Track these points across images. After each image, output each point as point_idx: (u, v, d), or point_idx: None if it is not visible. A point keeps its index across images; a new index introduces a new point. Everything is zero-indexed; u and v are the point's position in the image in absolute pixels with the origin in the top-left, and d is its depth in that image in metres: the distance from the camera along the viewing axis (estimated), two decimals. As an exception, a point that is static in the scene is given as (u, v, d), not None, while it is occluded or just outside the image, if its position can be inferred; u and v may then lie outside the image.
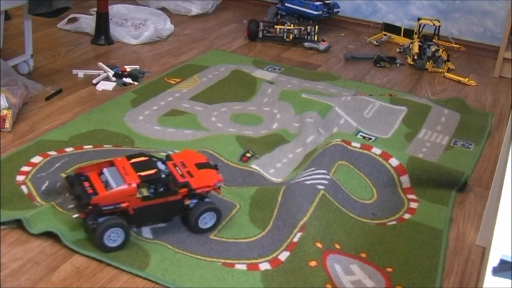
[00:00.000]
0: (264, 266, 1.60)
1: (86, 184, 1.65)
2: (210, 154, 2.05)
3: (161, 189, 1.66)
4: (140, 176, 1.64)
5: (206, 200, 1.73)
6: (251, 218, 1.80)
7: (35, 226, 1.65)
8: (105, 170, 1.69)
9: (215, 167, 1.78)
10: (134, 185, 1.61)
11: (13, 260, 1.56)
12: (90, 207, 1.56)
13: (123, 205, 1.60)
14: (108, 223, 1.57)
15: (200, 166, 1.76)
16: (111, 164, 1.71)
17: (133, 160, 1.71)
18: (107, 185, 1.64)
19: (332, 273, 1.57)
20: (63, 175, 1.84)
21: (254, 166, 2.07)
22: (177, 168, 1.73)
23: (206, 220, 1.71)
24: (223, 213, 1.78)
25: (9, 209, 1.73)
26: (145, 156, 1.74)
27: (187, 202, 1.69)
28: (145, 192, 1.65)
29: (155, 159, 1.74)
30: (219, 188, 1.75)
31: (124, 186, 1.60)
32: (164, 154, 2.02)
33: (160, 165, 1.72)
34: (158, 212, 1.68)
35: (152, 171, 1.67)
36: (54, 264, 1.56)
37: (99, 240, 1.57)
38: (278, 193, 1.85)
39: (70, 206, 1.64)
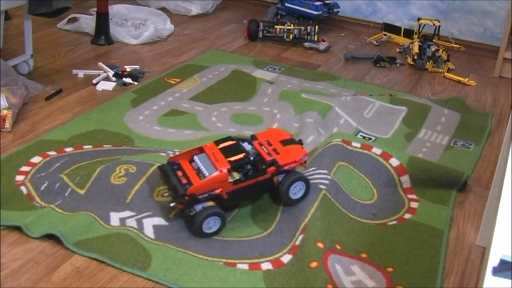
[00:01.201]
0: (266, 266, 1.60)
1: (179, 173, 1.72)
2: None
3: (251, 171, 1.73)
4: (230, 161, 1.72)
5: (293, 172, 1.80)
6: (253, 218, 1.80)
7: (36, 230, 1.65)
8: (195, 158, 1.76)
9: (300, 143, 1.86)
10: (225, 171, 1.69)
11: (13, 260, 1.56)
12: (187, 198, 1.63)
13: (217, 191, 1.68)
14: (207, 212, 1.64)
15: (284, 142, 1.84)
16: (201, 150, 1.78)
17: (221, 145, 1.79)
18: (199, 172, 1.71)
19: (333, 273, 1.57)
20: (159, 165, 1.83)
21: None
22: (263, 147, 1.80)
23: (296, 191, 1.78)
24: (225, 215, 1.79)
25: (8, 209, 1.73)
26: (232, 139, 1.82)
27: (276, 179, 1.77)
28: (236, 175, 1.72)
29: (242, 141, 1.82)
30: (305, 162, 1.83)
31: (216, 173, 1.67)
32: (164, 154, 2.03)
33: (247, 146, 1.79)
34: (250, 193, 1.76)
35: (241, 155, 1.75)
36: (54, 264, 1.56)
37: (197, 228, 1.65)
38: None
39: (166, 195, 1.73)
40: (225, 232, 1.72)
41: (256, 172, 1.74)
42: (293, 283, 1.54)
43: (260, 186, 1.76)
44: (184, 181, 1.69)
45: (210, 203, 1.69)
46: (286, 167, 1.77)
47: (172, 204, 1.69)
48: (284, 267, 1.59)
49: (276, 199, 1.80)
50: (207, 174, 1.68)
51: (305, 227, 1.71)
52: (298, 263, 1.60)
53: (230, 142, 1.81)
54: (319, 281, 1.53)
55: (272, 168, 1.75)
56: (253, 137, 1.86)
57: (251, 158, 1.74)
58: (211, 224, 1.67)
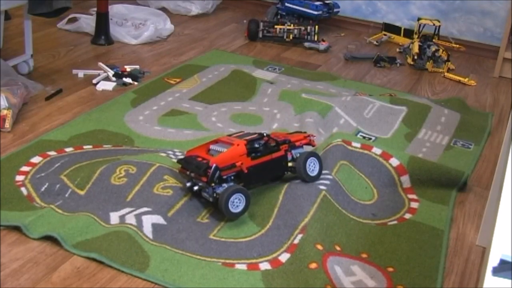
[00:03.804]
0: (264, 266, 1.60)
1: (199, 159, 1.79)
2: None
3: (266, 148, 1.86)
4: (245, 139, 1.84)
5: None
6: (250, 214, 1.80)
7: (35, 231, 1.64)
8: (211, 146, 1.86)
9: (304, 132, 2.05)
10: (242, 144, 1.80)
11: (13, 260, 1.56)
12: (210, 170, 1.71)
13: (238, 163, 1.78)
14: (231, 189, 1.71)
15: (290, 133, 2.03)
16: (216, 141, 1.88)
17: (234, 135, 1.92)
18: (217, 155, 1.80)
19: (332, 275, 1.57)
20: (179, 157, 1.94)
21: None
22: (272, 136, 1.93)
23: (312, 167, 1.89)
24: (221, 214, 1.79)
25: (8, 210, 1.73)
26: (242, 132, 1.97)
27: (290, 155, 1.90)
28: (252, 151, 1.83)
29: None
30: (313, 140, 2.00)
31: (234, 147, 1.79)
32: (164, 154, 2.03)
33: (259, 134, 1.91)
34: (267, 170, 1.86)
35: (255, 135, 1.88)
36: (54, 264, 1.56)
37: (225, 207, 1.70)
38: (279, 192, 1.85)
39: (189, 185, 1.78)
40: (222, 232, 1.72)
41: (271, 148, 1.86)
42: (292, 284, 1.54)
43: (276, 163, 1.87)
44: (205, 161, 1.77)
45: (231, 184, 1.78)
46: (297, 143, 1.92)
47: (188, 184, 1.77)
48: (282, 267, 1.59)
49: (297, 174, 1.90)
50: (225, 150, 1.79)
51: (305, 227, 1.71)
52: (297, 262, 1.60)
53: (241, 132, 1.95)
54: (318, 283, 1.53)
55: (285, 146, 1.89)
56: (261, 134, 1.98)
57: (264, 134, 1.89)
58: (236, 203, 1.73)
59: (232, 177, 1.79)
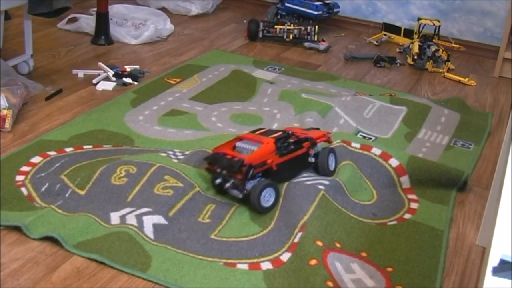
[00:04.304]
0: (266, 265, 1.60)
1: (228, 156, 1.84)
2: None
3: (291, 146, 1.93)
4: (272, 137, 1.91)
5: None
6: (251, 216, 1.80)
7: (35, 231, 1.64)
8: (238, 144, 1.92)
9: (318, 128, 2.16)
10: (272, 142, 1.88)
11: (13, 260, 1.56)
12: (245, 168, 1.77)
13: (269, 161, 1.85)
14: (262, 184, 1.78)
15: (307, 129, 2.11)
16: (240, 138, 1.94)
17: (257, 132, 1.99)
18: (246, 151, 1.87)
19: (333, 270, 1.57)
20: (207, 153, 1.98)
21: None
22: (291, 132, 2.01)
23: (330, 162, 2.00)
24: (222, 213, 1.80)
25: (8, 210, 1.73)
26: (263, 129, 2.04)
27: (312, 152, 1.99)
28: (280, 149, 1.90)
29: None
30: (330, 138, 2.11)
31: (265, 145, 1.86)
32: (164, 154, 2.03)
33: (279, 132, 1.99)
34: (292, 166, 1.94)
35: (279, 133, 1.97)
36: (54, 264, 1.56)
37: (257, 201, 1.77)
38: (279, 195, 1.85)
39: (218, 181, 1.83)
40: (223, 232, 1.72)
41: (295, 146, 1.95)
42: (293, 282, 1.54)
43: (300, 160, 1.97)
44: (236, 158, 1.82)
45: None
46: (318, 141, 2.02)
47: (218, 181, 1.83)
48: (284, 266, 1.59)
49: (317, 170, 2.00)
50: (255, 149, 1.86)
51: (304, 225, 1.71)
52: (298, 260, 1.60)
53: (263, 130, 2.02)
54: (319, 279, 1.53)
55: (307, 143, 1.98)
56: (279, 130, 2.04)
57: (290, 133, 1.97)
58: (267, 197, 1.80)
59: (260, 174, 1.86)
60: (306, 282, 1.53)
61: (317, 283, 1.52)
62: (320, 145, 2.06)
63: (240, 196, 1.82)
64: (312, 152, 2.00)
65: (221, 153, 1.87)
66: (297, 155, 1.95)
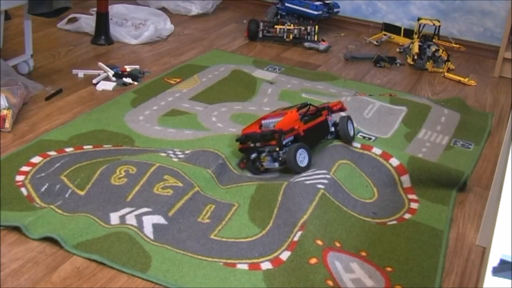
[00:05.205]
0: (266, 265, 1.60)
1: (259, 131, 2.04)
2: (211, 154, 2.05)
3: (311, 114, 2.12)
4: (294, 108, 2.11)
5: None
6: (250, 217, 1.80)
7: (35, 232, 1.64)
8: (263, 122, 2.10)
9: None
10: (294, 111, 2.07)
11: (13, 260, 1.56)
12: (277, 134, 1.96)
13: (296, 127, 2.03)
14: (295, 146, 1.96)
15: (322, 103, 2.28)
16: (263, 118, 2.12)
17: (277, 110, 2.20)
18: (273, 126, 2.04)
19: (333, 269, 1.57)
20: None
21: (250, 174, 2.06)
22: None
23: (349, 128, 2.17)
24: (222, 214, 1.80)
25: (8, 210, 1.73)
26: (280, 107, 2.27)
27: (330, 118, 2.18)
28: (303, 117, 2.08)
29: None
30: (344, 105, 2.29)
31: (289, 114, 2.05)
32: (164, 154, 2.03)
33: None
34: (315, 133, 2.11)
35: (298, 105, 2.16)
36: (54, 264, 1.56)
37: (294, 162, 1.94)
38: (278, 193, 1.85)
39: (254, 156, 2.01)
40: (223, 233, 1.72)
41: (315, 114, 2.13)
42: (293, 280, 1.54)
43: (321, 127, 2.14)
44: (265, 131, 2.01)
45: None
46: (335, 108, 2.22)
47: (253, 155, 2.01)
48: (283, 265, 1.59)
49: (339, 137, 2.18)
50: (281, 119, 2.04)
51: (304, 224, 1.71)
52: (297, 259, 1.60)
53: (282, 107, 2.25)
54: (319, 277, 1.53)
55: (325, 112, 2.17)
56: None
57: (307, 103, 2.14)
58: (302, 158, 1.97)
59: (290, 143, 2.02)
60: (306, 281, 1.53)
61: (317, 281, 1.52)
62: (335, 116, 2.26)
63: (277, 165, 2.00)
64: (330, 118, 2.18)
65: (250, 132, 2.04)
66: (318, 122, 2.12)
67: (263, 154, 2.00)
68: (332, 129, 2.18)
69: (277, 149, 1.98)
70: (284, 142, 1.99)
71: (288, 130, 2.01)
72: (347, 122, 2.16)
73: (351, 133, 2.17)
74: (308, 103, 2.15)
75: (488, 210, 1.81)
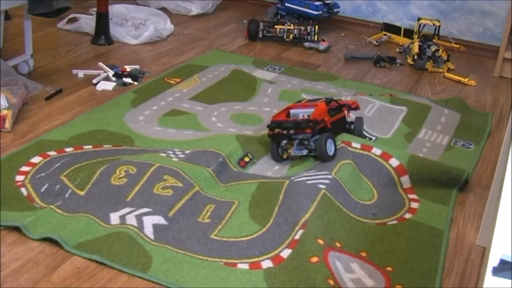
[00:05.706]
0: (266, 264, 1.60)
1: (289, 119, 2.16)
2: (211, 153, 2.05)
3: (335, 110, 2.25)
4: (322, 101, 2.22)
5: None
6: (251, 214, 1.80)
7: (35, 232, 1.64)
8: (291, 111, 2.21)
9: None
10: (324, 104, 2.19)
11: (13, 260, 1.56)
12: (311, 123, 2.07)
13: (326, 119, 2.15)
14: (326, 135, 2.07)
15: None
16: (291, 108, 2.22)
17: (302, 101, 2.30)
18: (302, 115, 2.18)
19: (333, 269, 1.57)
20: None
21: (251, 172, 2.06)
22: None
23: (328, 145, 2.15)
24: (222, 213, 1.80)
25: (8, 210, 1.73)
26: (304, 99, 2.38)
27: (349, 115, 2.29)
28: (330, 110, 2.20)
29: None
30: (359, 105, 2.38)
31: (320, 106, 2.16)
32: (164, 154, 2.03)
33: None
34: (338, 126, 2.23)
35: (323, 99, 2.27)
36: (54, 264, 1.56)
37: (325, 150, 2.05)
38: (279, 191, 1.85)
39: (284, 142, 2.12)
40: (223, 232, 1.72)
41: (338, 110, 2.25)
42: (294, 279, 1.54)
43: (341, 121, 2.26)
44: (299, 119, 2.14)
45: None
46: (353, 106, 2.32)
47: (284, 142, 2.11)
48: (284, 263, 1.59)
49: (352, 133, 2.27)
50: (312, 111, 2.16)
51: (305, 222, 1.71)
52: (298, 257, 1.60)
53: (306, 99, 2.36)
54: (320, 276, 1.53)
55: (345, 108, 2.28)
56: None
57: (330, 98, 2.27)
58: (330, 147, 2.07)
59: (317, 132, 2.12)
60: (307, 279, 1.53)
61: (318, 280, 1.52)
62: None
63: (304, 153, 2.10)
64: (349, 115, 2.29)
65: (280, 120, 2.15)
66: (340, 117, 2.25)
67: (296, 142, 2.10)
68: (352, 126, 2.29)
69: (313, 135, 2.09)
70: None
71: (320, 121, 2.12)
72: (362, 124, 2.29)
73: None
74: (332, 98, 2.28)
75: (488, 210, 1.81)
